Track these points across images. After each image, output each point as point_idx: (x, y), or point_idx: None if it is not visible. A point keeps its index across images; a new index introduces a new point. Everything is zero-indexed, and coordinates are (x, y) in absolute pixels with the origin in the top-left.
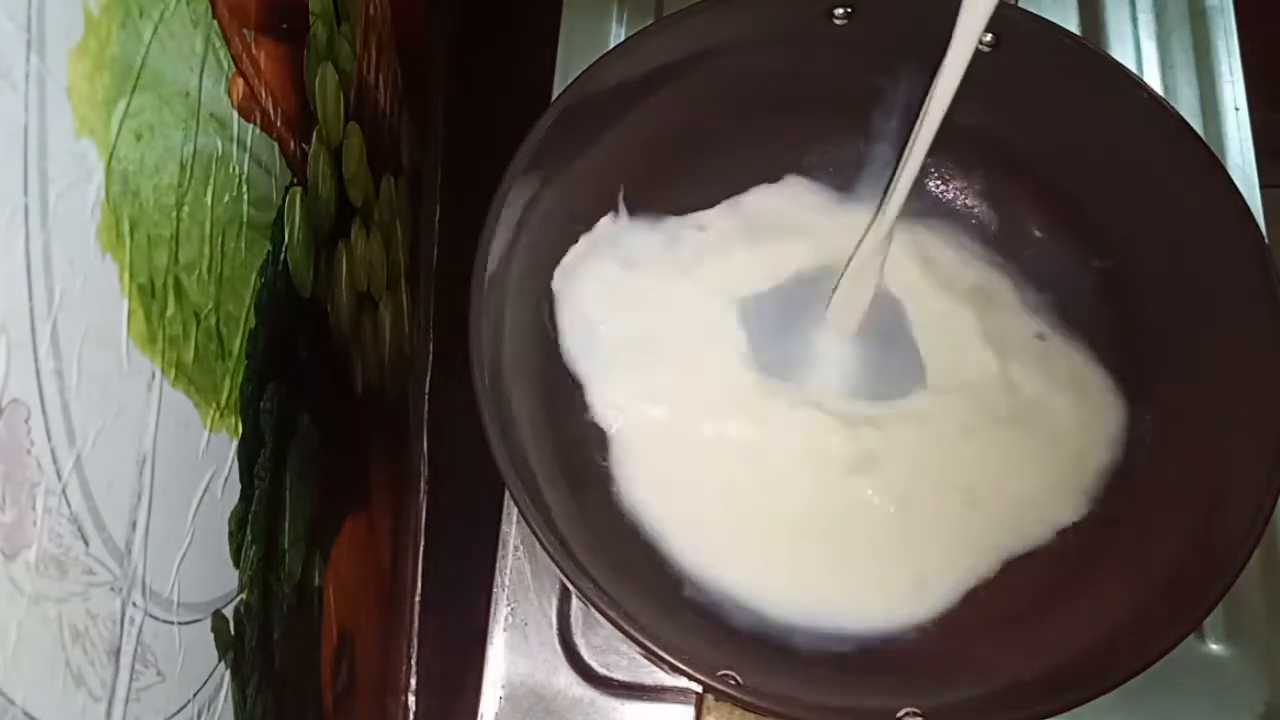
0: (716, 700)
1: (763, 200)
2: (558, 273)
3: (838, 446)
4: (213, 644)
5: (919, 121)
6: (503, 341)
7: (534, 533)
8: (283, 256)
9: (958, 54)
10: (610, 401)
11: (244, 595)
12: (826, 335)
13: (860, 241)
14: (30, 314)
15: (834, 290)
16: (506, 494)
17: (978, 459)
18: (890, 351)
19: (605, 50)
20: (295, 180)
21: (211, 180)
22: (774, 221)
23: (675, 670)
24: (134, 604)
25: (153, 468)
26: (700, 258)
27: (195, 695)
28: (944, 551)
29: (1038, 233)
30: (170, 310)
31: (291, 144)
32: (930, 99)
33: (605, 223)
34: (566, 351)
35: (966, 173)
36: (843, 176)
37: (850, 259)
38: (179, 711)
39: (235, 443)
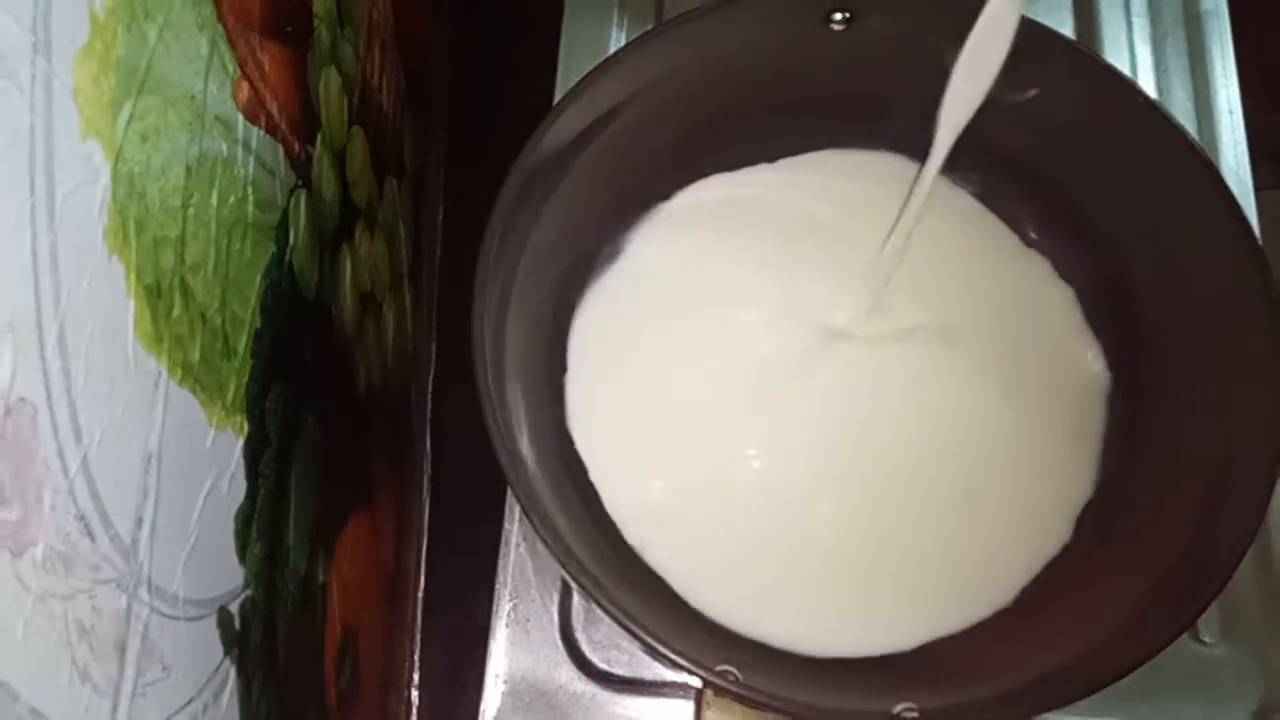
0: (716, 695)
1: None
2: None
3: (840, 462)
4: (218, 640)
5: None
6: (505, 341)
7: (536, 529)
8: (287, 258)
9: None
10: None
11: (249, 592)
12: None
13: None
14: (37, 314)
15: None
16: (509, 492)
17: (977, 464)
18: (894, 353)
19: (606, 54)
20: (299, 182)
21: (217, 182)
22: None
23: (675, 665)
24: (140, 600)
25: (159, 466)
26: (703, 258)
27: (200, 691)
28: (944, 573)
29: (1033, 234)
30: (176, 310)
31: (296, 146)
32: None
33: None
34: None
35: (962, 175)
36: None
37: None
38: (184, 707)
39: (240, 441)
